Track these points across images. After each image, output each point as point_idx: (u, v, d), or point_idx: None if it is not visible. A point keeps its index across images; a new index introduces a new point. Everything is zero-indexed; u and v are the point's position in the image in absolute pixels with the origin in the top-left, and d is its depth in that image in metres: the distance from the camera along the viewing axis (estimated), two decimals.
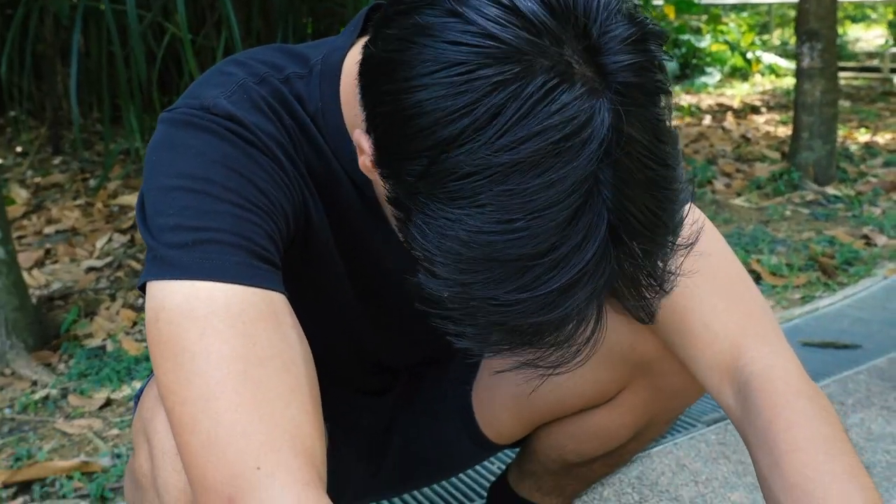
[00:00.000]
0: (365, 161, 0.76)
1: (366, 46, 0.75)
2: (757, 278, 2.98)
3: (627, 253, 0.68)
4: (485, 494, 1.61)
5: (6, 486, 1.78)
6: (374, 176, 0.76)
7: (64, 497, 1.74)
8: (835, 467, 0.81)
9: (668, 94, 0.69)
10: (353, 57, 0.87)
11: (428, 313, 0.70)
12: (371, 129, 0.73)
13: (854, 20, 13.48)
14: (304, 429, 0.74)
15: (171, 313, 0.75)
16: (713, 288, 0.95)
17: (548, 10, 0.65)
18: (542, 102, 0.63)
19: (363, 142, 0.75)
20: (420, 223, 0.68)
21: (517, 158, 0.63)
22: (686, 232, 0.74)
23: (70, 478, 1.80)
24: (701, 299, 0.95)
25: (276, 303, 0.78)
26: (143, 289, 0.80)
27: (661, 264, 0.71)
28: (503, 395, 1.21)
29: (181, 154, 0.81)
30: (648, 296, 0.72)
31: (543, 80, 0.63)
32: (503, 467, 1.52)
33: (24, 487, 1.79)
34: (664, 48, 0.69)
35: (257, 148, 0.82)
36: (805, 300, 2.79)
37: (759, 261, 3.11)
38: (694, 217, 0.96)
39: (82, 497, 1.74)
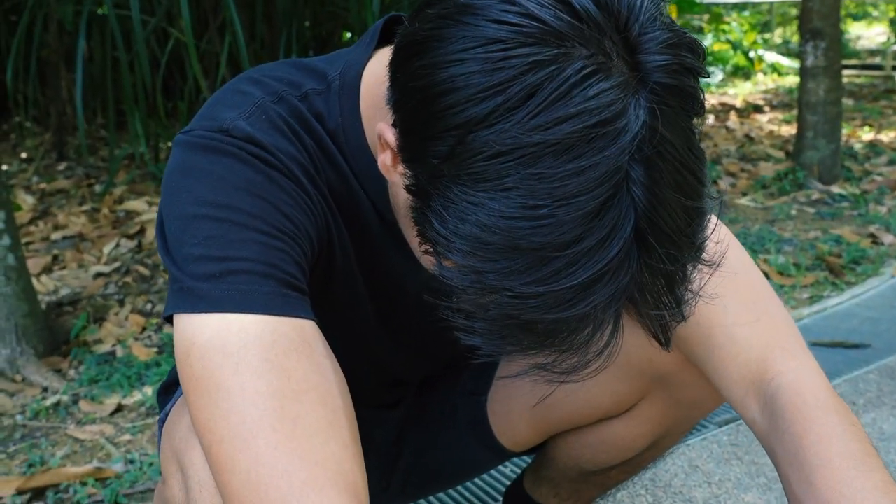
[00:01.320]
0: (385, 160, 0.75)
1: (403, 28, 0.74)
2: (766, 278, 2.98)
3: (652, 258, 0.66)
4: (498, 498, 1.62)
5: (20, 492, 1.79)
6: (393, 176, 0.75)
7: (78, 503, 1.75)
8: (867, 484, 0.81)
9: (702, 107, 0.69)
10: (371, 70, 0.87)
11: (438, 307, 0.68)
12: (398, 112, 0.72)
13: (856, 18, 13.47)
14: (344, 464, 0.73)
15: (202, 349, 0.74)
16: (739, 302, 0.94)
17: (592, 0, 0.64)
18: (580, 87, 0.62)
19: (386, 132, 0.73)
20: (439, 208, 0.66)
21: (550, 140, 0.61)
22: (710, 250, 0.73)
23: (84, 484, 1.80)
24: (726, 313, 0.94)
25: (307, 331, 0.77)
26: (168, 319, 0.79)
27: (681, 280, 0.70)
28: (520, 405, 1.21)
29: (202, 180, 0.79)
30: (667, 315, 0.71)
31: (582, 65, 0.62)
32: (517, 471, 1.52)
33: (38, 494, 1.80)
34: (702, 62, 0.68)
35: (279, 171, 0.81)
36: (813, 300, 2.79)
37: (766, 260, 3.11)
38: (720, 236, 0.97)
39: (96, 503, 1.75)
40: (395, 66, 0.74)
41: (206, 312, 0.75)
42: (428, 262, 0.71)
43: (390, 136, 0.73)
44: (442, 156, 0.65)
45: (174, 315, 0.78)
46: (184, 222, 0.78)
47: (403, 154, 0.71)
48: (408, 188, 0.71)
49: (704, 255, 0.71)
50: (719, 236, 0.96)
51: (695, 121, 0.68)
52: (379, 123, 0.75)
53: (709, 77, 0.69)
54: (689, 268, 0.70)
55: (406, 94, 0.70)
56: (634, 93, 0.63)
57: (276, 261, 0.77)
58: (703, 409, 1.18)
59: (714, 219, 0.96)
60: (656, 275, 0.67)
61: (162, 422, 1.03)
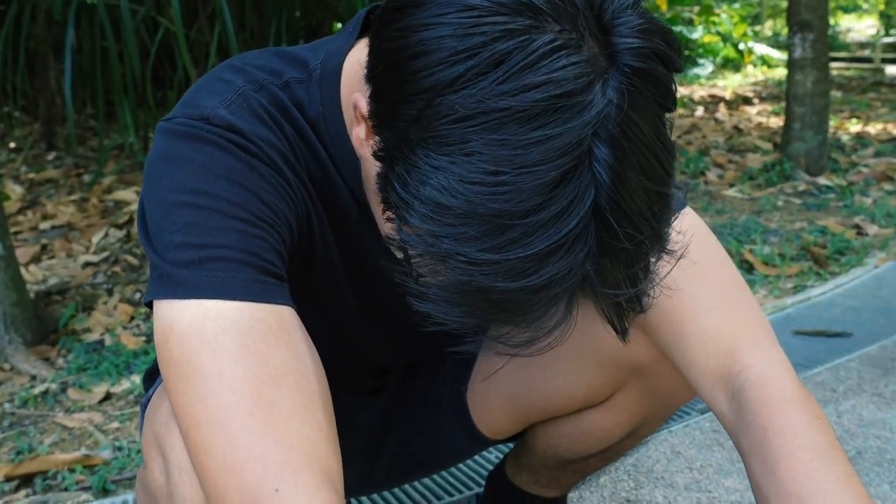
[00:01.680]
0: (359, 133, 0.76)
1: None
2: (749, 268, 3.01)
3: (610, 236, 0.66)
4: (481, 482, 1.64)
5: (8, 479, 1.80)
6: (365, 150, 0.75)
7: (66, 490, 1.76)
8: (829, 475, 0.81)
9: (673, 100, 0.69)
10: (353, 59, 0.87)
11: (394, 272, 0.68)
12: (372, 79, 0.72)
13: (846, 10, 13.49)
14: (319, 447, 0.74)
15: (181, 334, 0.75)
16: (709, 293, 0.95)
17: None
18: (548, 58, 0.63)
19: (360, 101, 0.74)
20: (402, 172, 0.67)
21: (514, 107, 0.62)
22: (674, 240, 0.73)
23: (72, 471, 1.81)
24: (697, 304, 0.94)
25: (285, 317, 0.78)
26: (149, 305, 0.80)
27: (640, 265, 0.69)
28: (498, 395, 1.22)
29: (182, 167, 0.80)
30: (623, 301, 0.71)
31: (553, 38, 0.63)
32: (501, 456, 1.54)
33: (26, 480, 1.81)
34: (677, 54, 0.69)
35: (259, 158, 0.82)
36: (797, 289, 2.82)
37: (751, 251, 3.13)
38: (686, 225, 0.97)
39: (84, 489, 1.76)
40: (373, 34, 0.75)
41: (184, 298, 0.75)
42: (388, 228, 0.72)
43: (363, 104, 0.74)
44: (410, 119, 0.66)
45: (154, 301, 0.78)
46: (164, 209, 0.79)
47: (374, 120, 0.72)
48: (375, 154, 0.72)
49: (667, 245, 0.72)
50: (686, 226, 0.98)
51: (666, 114, 0.69)
52: (354, 94, 0.76)
53: (681, 71, 0.70)
54: (649, 254, 0.70)
55: (380, 58, 0.71)
56: (603, 71, 0.64)
57: (255, 248, 0.78)
58: (679, 400, 1.18)
59: (686, 211, 0.98)
60: (614, 254, 0.67)
61: (144, 406, 1.04)
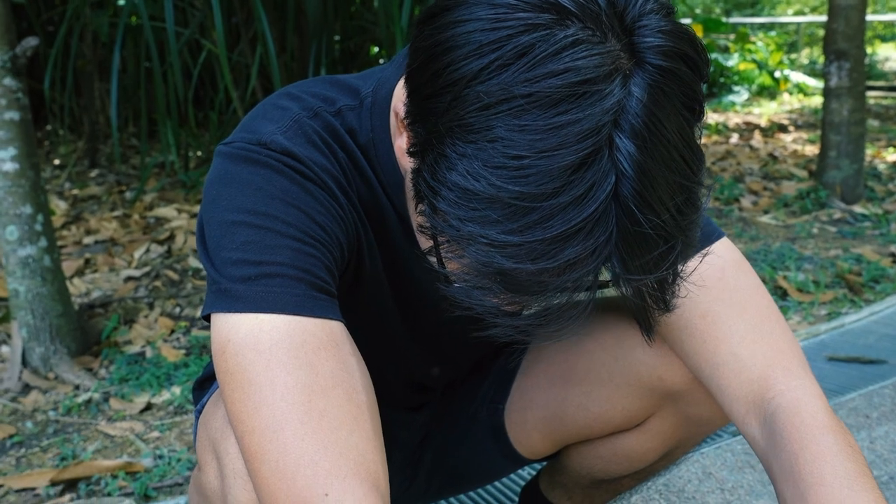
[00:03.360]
0: (401, 144, 0.79)
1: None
2: (783, 294, 3.01)
3: (632, 222, 0.67)
4: (514, 497, 1.66)
5: (53, 484, 1.85)
6: (405, 162, 0.78)
7: (109, 495, 1.80)
8: (859, 502, 0.82)
9: (700, 107, 0.71)
10: (402, 87, 0.92)
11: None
12: (408, 79, 0.76)
13: (884, 39, 13.41)
14: (367, 455, 0.77)
15: (237, 346, 0.79)
16: (744, 321, 0.97)
17: None
18: (570, 49, 0.66)
19: (399, 106, 0.78)
20: (431, 162, 0.70)
21: (536, 93, 0.65)
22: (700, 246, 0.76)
23: (115, 477, 1.86)
24: (732, 331, 0.96)
25: (335, 331, 0.81)
26: (206, 318, 0.84)
27: (663, 257, 0.70)
28: (535, 416, 1.24)
29: (241, 189, 0.84)
30: (648, 295, 0.72)
31: (575, 32, 0.66)
32: (532, 472, 1.56)
33: (70, 485, 1.86)
34: (703, 59, 0.71)
35: (313, 182, 0.85)
36: (831, 316, 2.81)
37: (785, 277, 3.13)
38: (722, 252, 0.99)
39: (127, 495, 1.80)
40: (411, 37, 0.78)
41: (241, 312, 0.79)
42: (419, 220, 0.75)
43: (401, 107, 0.78)
44: (440, 112, 0.69)
45: (211, 314, 0.82)
46: (223, 228, 0.83)
47: (408, 118, 0.75)
48: (409, 152, 0.75)
49: (693, 241, 0.73)
50: (722, 254, 1.00)
51: (692, 118, 0.70)
52: (396, 104, 0.80)
53: (707, 79, 0.72)
54: (674, 247, 0.70)
55: (414, 57, 0.75)
56: (625, 66, 0.67)
57: (308, 266, 0.82)
58: (712, 426, 1.20)
59: (722, 240, 1.00)
60: (636, 242, 0.68)
61: (198, 413, 1.08)
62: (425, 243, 0.78)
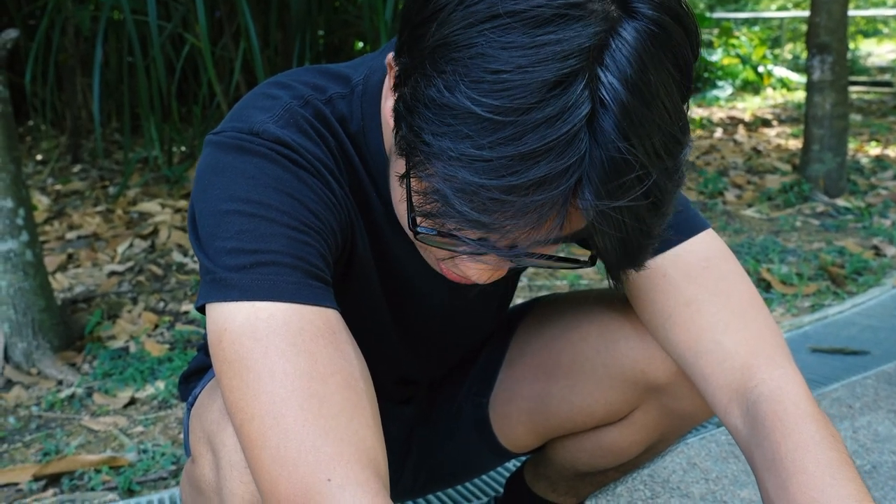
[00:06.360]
0: (389, 105, 0.78)
1: None
2: (767, 287, 3.02)
3: (604, 149, 0.66)
4: (499, 488, 1.66)
5: (36, 479, 1.83)
6: (390, 121, 0.77)
7: (92, 489, 1.79)
8: (841, 491, 0.82)
9: (686, 65, 0.70)
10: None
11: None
12: (403, 15, 0.76)
13: (866, 35, 13.50)
14: (367, 441, 0.77)
15: (233, 334, 0.79)
16: (728, 310, 0.97)
17: None
18: None
19: (390, 56, 0.78)
20: (413, 83, 0.70)
21: (522, 12, 0.65)
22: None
23: (98, 471, 1.85)
24: (716, 319, 0.97)
25: (331, 319, 0.81)
26: (201, 309, 0.83)
27: (635, 187, 0.68)
28: (518, 410, 1.25)
29: (234, 178, 0.83)
30: (625, 227, 0.70)
31: None
32: (518, 463, 1.57)
33: (53, 480, 1.85)
34: (692, 21, 0.71)
35: (306, 170, 0.85)
36: (815, 308, 2.83)
37: (769, 270, 3.15)
38: (707, 244, 0.99)
39: (110, 490, 1.79)
40: None
41: (237, 301, 0.79)
42: (394, 148, 0.74)
43: (391, 56, 0.78)
44: (427, 38, 0.70)
45: (207, 304, 0.82)
46: (217, 217, 0.82)
47: (398, 55, 0.75)
48: (395, 86, 0.75)
49: (671, 188, 0.71)
50: (708, 245, 1.00)
51: (679, 78, 0.70)
52: (388, 56, 0.80)
53: (698, 54, 0.72)
54: (648, 177, 0.69)
55: None
56: (614, 14, 0.67)
57: (303, 253, 0.82)
58: (696, 419, 1.21)
59: (707, 231, 1.00)
60: (608, 169, 0.67)
61: (190, 405, 1.07)
62: (402, 212, 0.77)
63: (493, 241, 0.72)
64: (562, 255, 0.78)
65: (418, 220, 0.75)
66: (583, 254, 0.85)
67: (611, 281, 0.80)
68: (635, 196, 0.68)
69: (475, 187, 0.67)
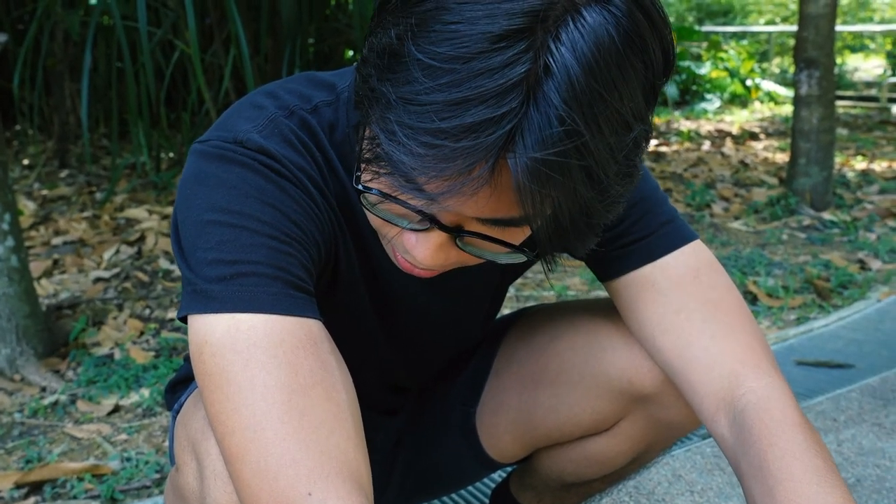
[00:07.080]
0: None
1: None
2: (753, 300, 3.03)
3: (540, 108, 0.66)
4: (485, 500, 1.66)
5: (18, 486, 1.82)
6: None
7: (75, 498, 1.78)
8: (828, 499, 0.82)
9: (653, 53, 0.70)
10: None
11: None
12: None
13: (853, 50, 13.60)
14: (349, 454, 0.77)
15: (214, 346, 0.78)
16: (717, 319, 0.98)
17: None
18: None
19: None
20: (372, 37, 0.72)
21: None
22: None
23: (81, 479, 1.83)
24: (704, 327, 0.97)
25: (314, 330, 0.81)
26: (183, 320, 0.83)
27: (571, 155, 0.67)
28: (505, 419, 1.24)
29: (216, 188, 0.83)
30: (547, 184, 0.68)
31: None
32: (504, 473, 1.56)
33: (35, 488, 1.83)
34: (661, 16, 0.71)
35: (289, 181, 0.85)
36: (800, 321, 2.84)
37: (755, 282, 3.16)
38: (696, 253, 1.00)
39: (93, 498, 1.78)
40: None
41: (217, 312, 0.79)
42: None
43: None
44: (393, 3, 0.71)
45: (188, 315, 0.81)
46: (198, 227, 0.82)
47: (368, 37, 0.76)
48: (362, 58, 0.76)
49: (608, 165, 0.70)
50: (697, 255, 1.01)
51: (641, 69, 0.69)
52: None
53: (672, 58, 0.72)
54: (580, 135, 0.68)
55: None
56: None
57: (285, 264, 0.81)
58: (683, 430, 1.21)
59: (696, 242, 1.01)
60: (540, 124, 0.66)
61: (175, 413, 1.06)
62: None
63: (433, 209, 0.73)
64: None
65: (362, 178, 0.76)
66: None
67: (543, 265, 0.79)
68: (569, 157, 0.67)
69: (406, 130, 0.68)
